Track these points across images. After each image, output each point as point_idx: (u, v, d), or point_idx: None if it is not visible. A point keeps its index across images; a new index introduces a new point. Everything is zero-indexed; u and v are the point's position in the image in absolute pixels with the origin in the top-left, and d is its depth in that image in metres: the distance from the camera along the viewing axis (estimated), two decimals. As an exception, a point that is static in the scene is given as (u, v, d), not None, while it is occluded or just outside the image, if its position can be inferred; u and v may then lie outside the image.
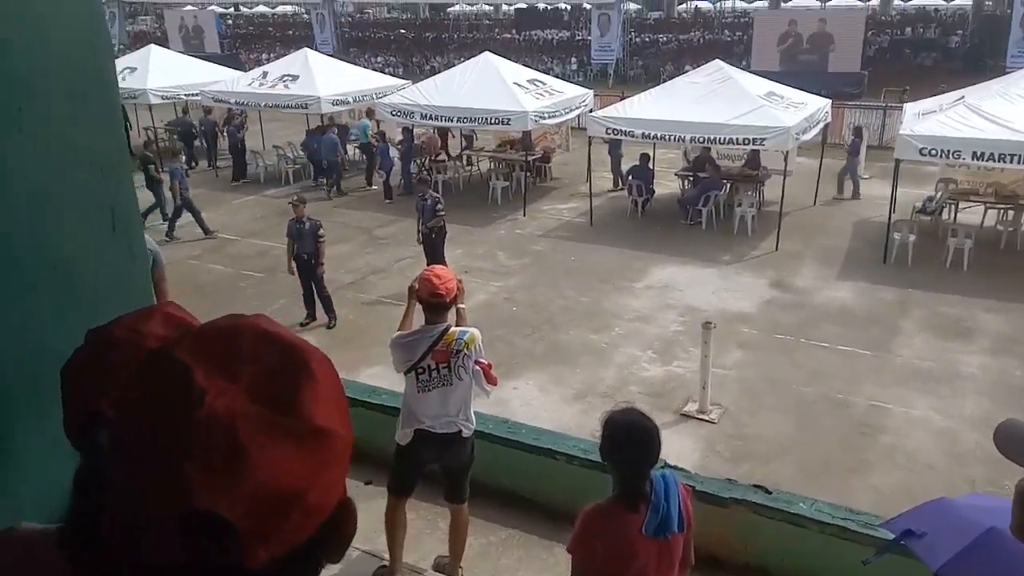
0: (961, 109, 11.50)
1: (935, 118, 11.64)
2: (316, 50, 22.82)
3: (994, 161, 10.90)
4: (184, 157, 15.95)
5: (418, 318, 4.04)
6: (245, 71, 21.27)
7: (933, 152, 11.14)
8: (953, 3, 46.44)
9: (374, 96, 16.95)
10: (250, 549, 0.63)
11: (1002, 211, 12.67)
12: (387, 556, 4.13)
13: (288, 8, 56.31)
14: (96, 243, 1.12)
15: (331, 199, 15.97)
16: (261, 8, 58.67)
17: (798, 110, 13.33)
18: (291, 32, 49.54)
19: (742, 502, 3.86)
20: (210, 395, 0.65)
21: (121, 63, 20.10)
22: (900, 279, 11.05)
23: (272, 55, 32.69)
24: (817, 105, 14.27)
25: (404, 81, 19.44)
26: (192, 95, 18.59)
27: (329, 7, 37.29)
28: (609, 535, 2.58)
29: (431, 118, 15.10)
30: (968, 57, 32.41)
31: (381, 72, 24.89)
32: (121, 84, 16.68)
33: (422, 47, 44.16)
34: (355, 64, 24.42)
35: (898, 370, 8.58)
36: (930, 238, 12.24)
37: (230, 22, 53.05)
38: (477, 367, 3.95)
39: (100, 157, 1.10)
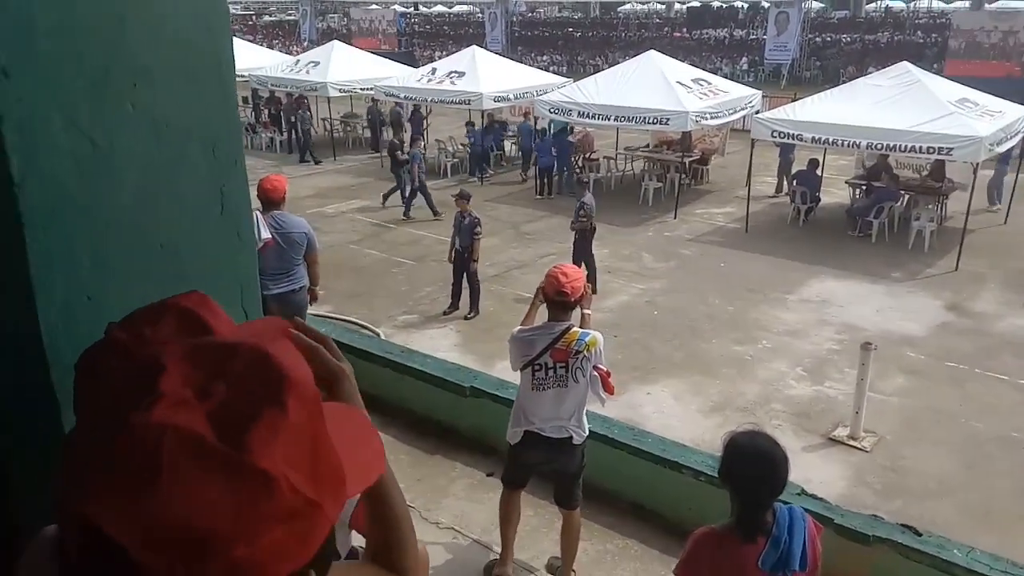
0: None
1: None
2: (486, 48, 23.43)
3: None
4: (422, 143, 16.98)
5: (542, 318, 4.03)
6: (418, 67, 22.24)
7: None
8: None
9: (535, 93, 17.15)
10: None
11: None
12: (500, 550, 4.16)
13: (464, 7, 58.24)
14: (205, 225, 1.16)
15: (524, 180, 16.88)
16: (439, 7, 61.10)
17: (994, 119, 12.04)
18: (464, 31, 51.22)
19: (887, 542, 3.52)
20: (162, 403, 0.58)
21: (306, 57, 21.71)
22: (1106, 312, 9.72)
23: (444, 52, 33.97)
24: (1017, 114, 12.82)
25: (566, 79, 19.52)
26: (367, 89, 19.67)
27: (502, 6, 38.15)
28: (720, 564, 2.39)
29: (589, 116, 15.04)
30: None
31: (545, 70, 25.16)
32: (304, 77, 18.27)
33: (589, 46, 44.17)
34: (521, 62, 24.84)
35: (1094, 415, 7.54)
36: None
37: (411, 20, 55.64)
38: (595, 372, 3.83)
39: (212, 137, 1.14)
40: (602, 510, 4.58)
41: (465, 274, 9.99)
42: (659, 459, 4.32)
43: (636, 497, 4.53)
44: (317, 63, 20.19)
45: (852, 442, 7.06)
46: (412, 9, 57.93)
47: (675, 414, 7.59)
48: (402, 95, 18.63)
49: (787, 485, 2.59)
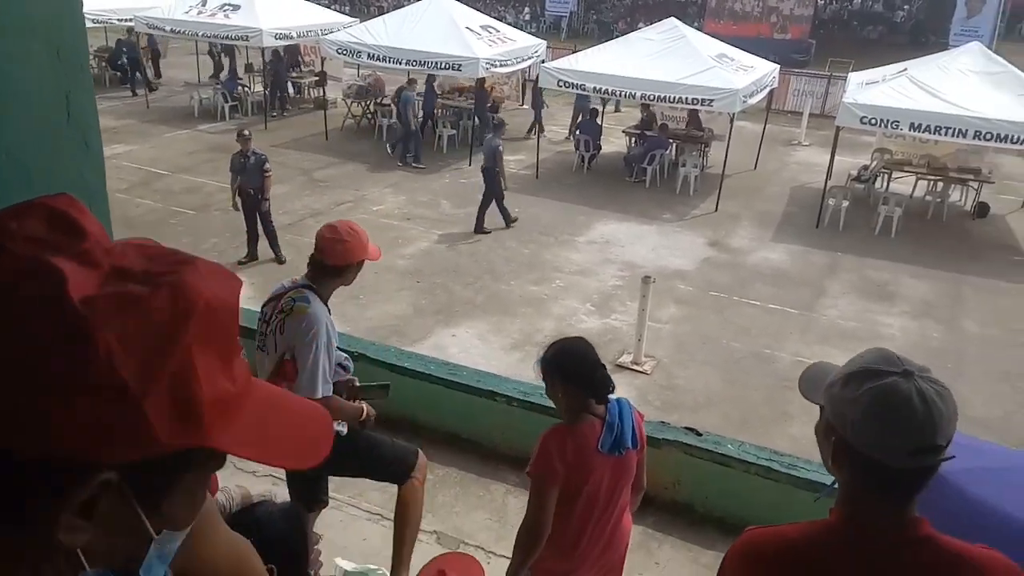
0: (903, 81, 11.82)
1: (878, 88, 11.94)
2: (260, -20, 21.81)
3: (930, 133, 11.27)
4: (416, 87, 15.24)
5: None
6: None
7: (873, 121, 11.45)
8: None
9: (320, 32, 16.39)
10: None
11: (932, 182, 13.19)
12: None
13: (230, -66, 53.50)
14: (51, 130, 1.06)
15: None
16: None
17: (747, 73, 13.48)
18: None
19: (674, 443, 4.02)
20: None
21: (47, -21, 18.86)
22: (831, 243, 11.45)
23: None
24: (765, 70, 14.45)
25: (351, 19, 18.84)
26: (125, 20, 17.60)
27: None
28: (565, 451, 2.67)
29: (378, 59, 14.69)
30: (913, 32, 33.27)
31: (328, 8, 24.05)
32: (47, 2, 15.98)
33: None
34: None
35: (823, 329, 8.95)
36: (862, 205, 12.69)
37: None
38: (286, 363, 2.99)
39: (57, 39, 1.04)
40: (423, 444, 4.71)
41: (259, 217, 9.52)
42: (474, 389, 4.52)
43: (453, 428, 4.71)
44: (62, -14, 17.66)
45: (635, 367, 7.83)
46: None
47: (480, 352, 7.90)
48: (168, 28, 16.92)
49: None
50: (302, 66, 19.27)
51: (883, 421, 1.27)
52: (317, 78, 17.70)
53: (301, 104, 18.49)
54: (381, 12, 21.71)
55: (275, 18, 16.14)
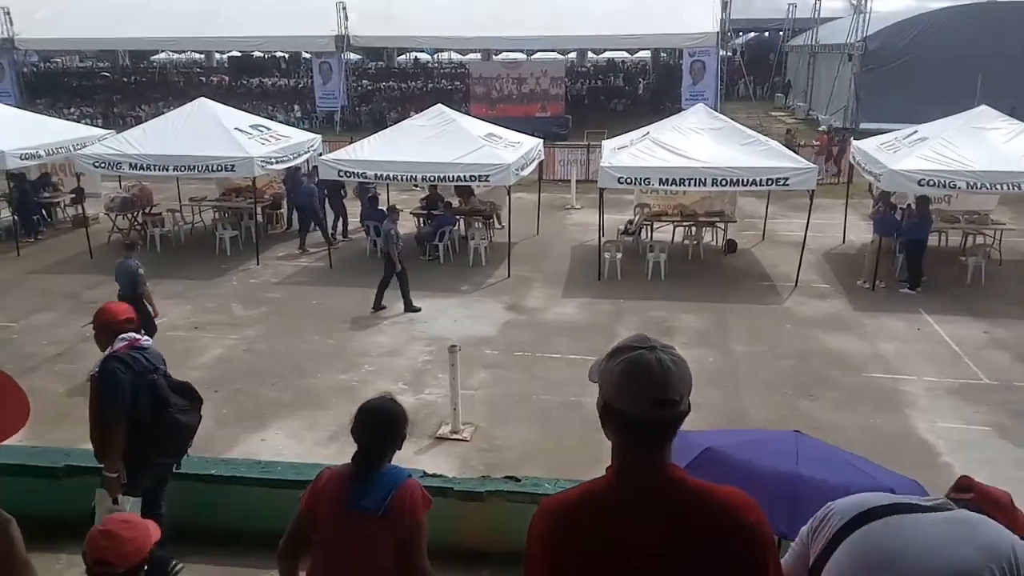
0: (647, 143, 13.34)
1: (627, 151, 13.37)
2: (-6, 100, 20.12)
3: (676, 185, 12.81)
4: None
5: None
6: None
7: (628, 180, 12.79)
8: (636, 56, 53.93)
9: (71, 148, 15.32)
10: None
11: (686, 228, 14.84)
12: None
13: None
14: None
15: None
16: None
17: (515, 149, 14.50)
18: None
19: (496, 493, 4.15)
20: None
21: None
22: (613, 292, 12.44)
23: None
24: (531, 144, 15.62)
25: (106, 131, 17.85)
26: None
27: (8, 55, 32.95)
28: (319, 494, 2.88)
29: (142, 167, 14.02)
30: (651, 101, 37.63)
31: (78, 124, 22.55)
32: None
33: (126, 95, 40.78)
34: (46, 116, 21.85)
35: (620, 371, 9.61)
36: (633, 255, 13.96)
37: None
38: None
39: None
40: (241, 552, 4.45)
41: None
42: (292, 483, 4.37)
43: (275, 528, 4.49)
44: None
45: (455, 436, 7.95)
46: None
47: (294, 452, 7.60)
48: None
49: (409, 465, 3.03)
50: (58, 186, 17.75)
51: (630, 382, 1.61)
52: (73, 195, 16.45)
53: (58, 225, 17.04)
54: (140, 123, 20.74)
55: (17, 138, 14.88)
